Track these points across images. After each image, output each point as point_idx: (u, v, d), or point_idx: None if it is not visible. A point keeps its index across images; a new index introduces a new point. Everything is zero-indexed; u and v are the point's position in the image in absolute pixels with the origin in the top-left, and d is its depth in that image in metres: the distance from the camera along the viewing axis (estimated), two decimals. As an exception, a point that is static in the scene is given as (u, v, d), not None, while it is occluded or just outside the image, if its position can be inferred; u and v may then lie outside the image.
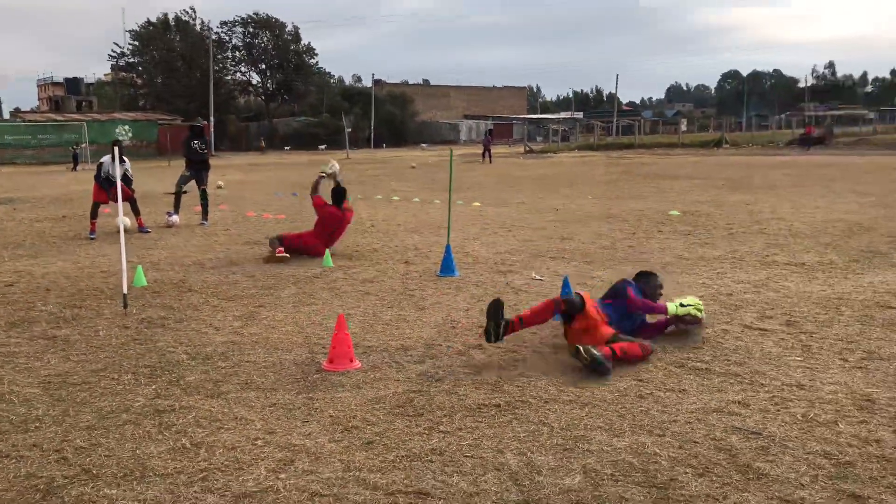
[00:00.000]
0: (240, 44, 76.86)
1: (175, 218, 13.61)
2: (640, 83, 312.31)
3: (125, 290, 6.79)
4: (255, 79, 79.73)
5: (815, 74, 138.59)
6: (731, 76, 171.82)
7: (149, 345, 5.79)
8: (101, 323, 6.41)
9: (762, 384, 4.68)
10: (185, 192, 14.20)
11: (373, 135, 72.58)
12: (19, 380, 4.98)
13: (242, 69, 78.52)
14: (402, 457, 3.72)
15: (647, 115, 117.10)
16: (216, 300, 7.33)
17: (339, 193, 9.92)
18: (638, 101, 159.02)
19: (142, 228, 12.88)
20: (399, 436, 3.98)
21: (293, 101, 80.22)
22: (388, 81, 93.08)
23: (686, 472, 3.52)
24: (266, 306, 7.02)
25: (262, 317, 6.62)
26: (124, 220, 13.03)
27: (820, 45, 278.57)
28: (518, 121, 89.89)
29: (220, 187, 22.42)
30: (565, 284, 6.66)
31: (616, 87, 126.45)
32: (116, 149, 12.99)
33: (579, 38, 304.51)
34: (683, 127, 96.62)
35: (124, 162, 12.86)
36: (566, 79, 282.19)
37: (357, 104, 77.37)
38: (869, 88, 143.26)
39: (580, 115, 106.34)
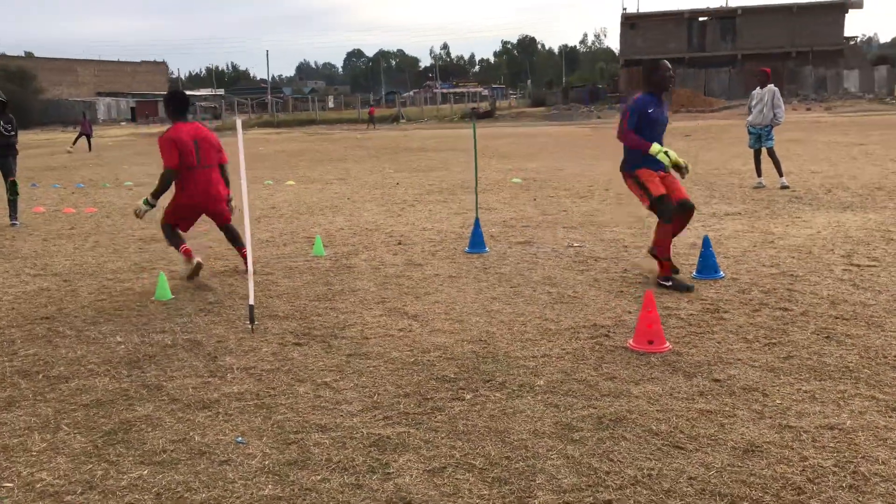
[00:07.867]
0: None
1: (-22, 218, 10.59)
2: (271, 61, 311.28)
3: (251, 302, 5.24)
4: None
5: (432, 55, 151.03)
6: (355, 55, 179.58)
7: (366, 360, 4.64)
8: (259, 345, 4.92)
9: None
10: None
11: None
12: (333, 441, 3.71)
13: None
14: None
15: (288, 91, 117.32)
16: (310, 302, 6.03)
17: None
18: (269, 79, 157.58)
19: (-56, 235, 9.82)
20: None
21: None
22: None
23: None
24: (385, 301, 5.99)
25: (412, 314, 5.65)
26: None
27: (432, 27, 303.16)
28: (163, 98, 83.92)
29: None
30: None
31: (268, 65, 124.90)
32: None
33: (205, 11, 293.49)
34: (331, 104, 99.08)
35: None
36: (197, 55, 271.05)
37: (-39, 80, 65.56)
38: (476, 68, 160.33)
39: (221, 91, 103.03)
